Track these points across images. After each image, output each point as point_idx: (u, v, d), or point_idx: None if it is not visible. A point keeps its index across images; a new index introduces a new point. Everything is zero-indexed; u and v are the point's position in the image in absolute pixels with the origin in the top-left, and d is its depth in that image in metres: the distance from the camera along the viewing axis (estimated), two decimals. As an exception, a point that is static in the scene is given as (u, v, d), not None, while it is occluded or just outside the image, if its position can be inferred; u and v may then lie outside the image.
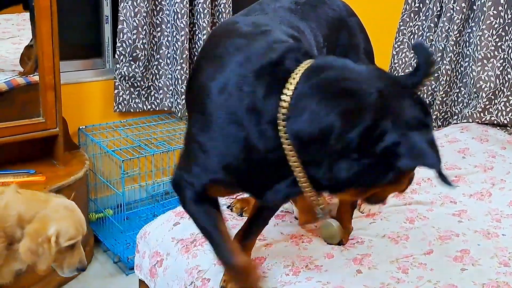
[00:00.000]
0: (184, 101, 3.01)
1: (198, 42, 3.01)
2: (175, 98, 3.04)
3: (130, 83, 2.95)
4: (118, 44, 2.84)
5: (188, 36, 2.93)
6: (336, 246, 1.71)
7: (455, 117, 3.12)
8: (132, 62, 2.88)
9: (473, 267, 1.61)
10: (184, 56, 2.93)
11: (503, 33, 2.80)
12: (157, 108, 3.10)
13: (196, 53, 3.04)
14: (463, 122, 3.02)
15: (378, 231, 1.81)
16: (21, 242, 1.69)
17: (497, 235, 1.84)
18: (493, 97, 2.93)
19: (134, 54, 2.87)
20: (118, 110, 2.98)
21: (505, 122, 2.93)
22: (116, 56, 2.87)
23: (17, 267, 1.82)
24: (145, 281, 1.84)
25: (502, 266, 1.63)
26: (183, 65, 2.94)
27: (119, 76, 2.90)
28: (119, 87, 2.93)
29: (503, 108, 2.92)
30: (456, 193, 2.16)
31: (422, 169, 2.34)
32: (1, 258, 1.74)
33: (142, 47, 2.87)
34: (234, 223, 1.77)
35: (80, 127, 2.93)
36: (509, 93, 2.91)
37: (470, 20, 2.92)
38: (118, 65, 2.88)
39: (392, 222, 1.89)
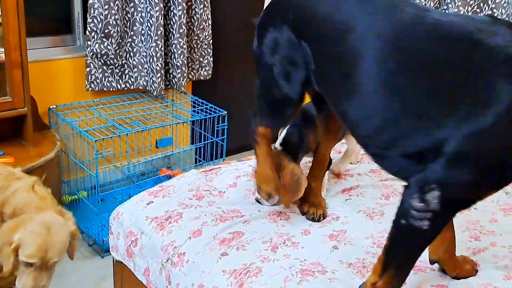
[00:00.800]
0: (159, 79, 2.96)
1: (173, 18, 2.94)
2: (150, 77, 2.98)
3: (102, 61, 2.87)
4: (89, 20, 2.75)
5: (163, 12, 2.86)
6: (313, 223, 1.71)
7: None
8: (104, 39, 2.80)
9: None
10: (159, 32, 2.86)
11: (478, 10, 2.82)
12: (132, 87, 3.04)
13: (171, 29, 2.98)
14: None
15: (354, 207, 1.82)
16: None
17: (470, 209, 1.86)
18: None
19: (106, 31, 2.78)
20: (90, 89, 2.90)
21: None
22: (87, 33, 2.78)
23: None
24: (123, 262, 1.81)
25: (473, 240, 1.66)
26: (158, 42, 2.87)
27: (91, 53, 2.82)
28: (91, 65, 2.85)
29: None
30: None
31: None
32: None
33: (114, 23, 2.79)
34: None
35: (51, 107, 2.86)
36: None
37: (445, -3, 2.92)
38: (89, 42, 2.79)
39: (368, 198, 1.90)
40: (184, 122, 3.16)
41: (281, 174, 1.69)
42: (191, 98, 3.22)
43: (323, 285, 1.40)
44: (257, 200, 1.81)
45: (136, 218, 1.75)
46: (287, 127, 1.81)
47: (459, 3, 2.81)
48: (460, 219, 1.77)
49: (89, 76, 2.87)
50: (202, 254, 1.54)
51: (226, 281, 1.44)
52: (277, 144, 1.79)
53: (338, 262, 1.51)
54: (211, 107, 3.07)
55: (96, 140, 2.60)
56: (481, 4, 2.78)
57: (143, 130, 2.87)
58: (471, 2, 2.79)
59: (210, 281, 1.47)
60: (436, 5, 2.93)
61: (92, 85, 2.89)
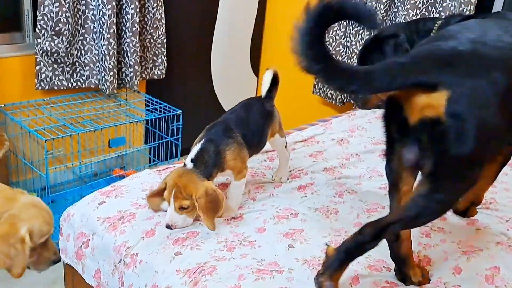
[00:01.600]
0: (112, 78, 2.91)
1: (126, 17, 2.90)
2: (103, 75, 2.92)
3: (53, 59, 2.80)
4: (39, 18, 2.68)
5: (115, 10, 2.82)
6: (268, 219, 1.72)
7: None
8: (54, 37, 2.73)
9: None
10: (112, 31, 2.82)
11: (426, 13, 2.90)
12: (83, 86, 2.97)
13: (123, 28, 2.93)
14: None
15: (310, 205, 1.84)
16: None
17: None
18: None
19: (57, 28, 2.72)
20: (40, 87, 2.82)
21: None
22: (37, 30, 2.71)
23: None
24: (71, 265, 1.77)
25: (424, 237, 1.71)
26: (111, 40, 2.83)
27: (41, 51, 2.75)
28: (41, 63, 2.77)
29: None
30: (383, 168, 2.23)
31: (351, 145, 2.41)
32: None
33: (65, 20, 2.73)
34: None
35: (-1, 106, 2.77)
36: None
37: (396, 0, 2.99)
38: (39, 40, 2.72)
39: (322, 197, 1.93)
40: (138, 121, 3.12)
41: (195, 198, 1.57)
42: (145, 97, 3.18)
43: (279, 283, 1.41)
44: (168, 227, 1.62)
45: (87, 219, 1.71)
46: (202, 141, 1.66)
47: (408, 6, 2.89)
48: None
49: (39, 74, 2.80)
50: (155, 254, 1.52)
51: (180, 280, 1.43)
52: (187, 160, 1.64)
53: (294, 260, 1.52)
54: (166, 106, 3.04)
55: (46, 140, 2.53)
56: (429, 8, 2.87)
57: (95, 130, 2.81)
58: (419, 6, 2.88)
59: (164, 281, 1.45)
60: (386, 7, 3.01)
61: (42, 83, 2.82)
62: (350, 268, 1.49)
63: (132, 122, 3.09)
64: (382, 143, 2.41)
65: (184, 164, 1.64)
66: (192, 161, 1.62)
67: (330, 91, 3.32)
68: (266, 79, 1.88)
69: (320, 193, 1.95)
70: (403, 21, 2.92)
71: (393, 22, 3.00)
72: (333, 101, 3.31)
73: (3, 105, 2.77)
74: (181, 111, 3.00)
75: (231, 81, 3.84)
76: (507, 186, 2.13)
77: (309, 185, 1.98)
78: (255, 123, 1.81)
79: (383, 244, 1.64)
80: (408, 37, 2.01)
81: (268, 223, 1.71)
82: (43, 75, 2.80)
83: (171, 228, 1.60)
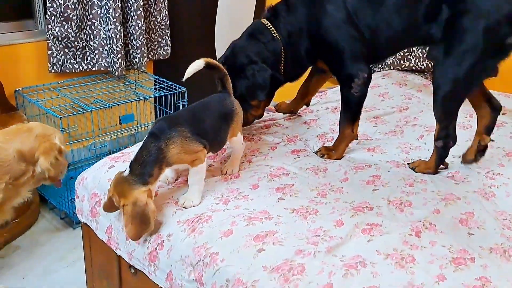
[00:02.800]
0: (120, 59, 3.07)
1: (130, 1, 3.05)
2: (111, 58, 3.09)
3: (63, 44, 2.98)
4: (49, 5, 2.85)
5: (119, -5, 2.97)
6: (262, 177, 1.88)
7: (379, 66, 3.34)
8: (64, 22, 2.91)
9: (383, 188, 1.83)
10: (117, 15, 2.97)
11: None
12: (94, 68, 3.15)
13: (129, 11, 3.09)
14: (385, 70, 3.25)
15: (301, 165, 2.00)
16: (40, 164, 1.89)
17: (405, 165, 2.07)
18: (409, 45, 3.15)
19: (66, 14, 2.89)
20: (53, 71, 3.01)
21: (422, 67, 3.17)
22: (47, 17, 2.88)
23: (19, 202, 2.00)
24: (87, 223, 1.96)
25: (407, 186, 1.86)
26: (117, 23, 2.98)
27: (52, 37, 2.92)
28: (53, 48, 2.96)
29: (420, 55, 3.16)
30: (372, 131, 2.38)
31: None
32: (5, 195, 1.88)
33: (73, 6, 2.90)
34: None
35: (17, 89, 2.96)
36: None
37: None
38: (50, 26, 2.90)
39: (313, 158, 2.09)
40: (145, 99, 3.29)
41: (121, 205, 1.56)
42: (152, 77, 3.34)
43: (268, 227, 1.58)
44: None
45: (99, 181, 1.90)
46: (145, 138, 1.62)
47: None
48: (397, 172, 1.98)
49: (51, 58, 2.98)
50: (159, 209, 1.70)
51: (180, 228, 1.61)
52: (126, 169, 1.58)
53: (283, 209, 1.68)
54: (171, 84, 3.21)
55: (61, 118, 2.71)
56: None
57: (106, 107, 2.99)
58: None
59: (165, 230, 1.64)
60: None
61: (55, 67, 3.00)
62: (335, 212, 1.66)
63: (140, 100, 3.26)
64: (373, 109, 2.58)
65: (120, 172, 1.60)
66: (130, 165, 1.57)
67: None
68: (192, 67, 1.76)
69: (311, 155, 2.11)
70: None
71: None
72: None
73: (21, 89, 2.96)
74: (185, 89, 3.15)
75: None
76: (492, 143, 2.26)
77: (303, 150, 2.14)
78: (210, 122, 1.73)
79: (365, 188, 1.80)
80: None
81: (262, 180, 1.87)
82: (55, 59, 2.98)
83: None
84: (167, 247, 1.61)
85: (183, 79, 1.75)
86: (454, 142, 2.00)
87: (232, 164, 1.93)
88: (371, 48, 2.04)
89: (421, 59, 3.16)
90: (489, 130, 2.06)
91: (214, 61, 1.80)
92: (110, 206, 1.66)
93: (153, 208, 1.57)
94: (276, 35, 2.04)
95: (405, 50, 3.17)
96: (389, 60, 3.24)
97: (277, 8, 2.09)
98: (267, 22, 2.07)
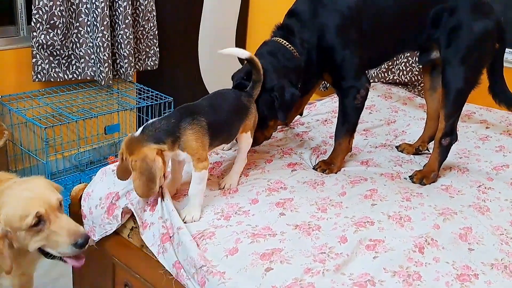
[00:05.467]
0: (107, 69, 3.01)
1: (119, 9, 3.01)
2: (98, 66, 3.03)
3: (49, 52, 2.90)
4: (34, 11, 2.77)
5: (108, 3, 2.92)
6: (261, 191, 1.87)
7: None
8: (50, 30, 2.83)
9: (380, 202, 1.85)
10: (105, 23, 2.92)
11: None
12: (79, 77, 3.08)
13: (116, 20, 3.04)
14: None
15: (299, 179, 1.99)
16: None
17: (400, 177, 2.09)
18: (395, 58, 3.20)
19: (52, 22, 2.82)
20: (37, 79, 2.92)
21: (406, 80, 3.22)
22: (33, 24, 2.80)
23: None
24: (104, 229, 1.82)
25: (405, 201, 1.87)
26: (105, 32, 2.93)
27: (37, 44, 2.84)
28: (37, 56, 2.87)
29: (404, 68, 3.21)
30: (364, 144, 2.40)
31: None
32: None
33: (59, 14, 2.83)
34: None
35: (-4, 97, 2.87)
36: (407, 54, 3.20)
37: None
38: (35, 33, 2.82)
39: (310, 171, 2.08)
40: (131, 108, 3.24)
41: (130, 160, 1.57)
42: (136, 86, 3.30)
43: (273, 244, 1.56)
44: None
45: (113, 183, 1.82)
46: (160, 117, 1.66)
47: None
48: (392, 185, 2.00)
49: (36, 67, 2.89)
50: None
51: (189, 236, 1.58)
52: (138, 130, 1.62)
53: (286, 225, 1.67)
54: (157, 94, 3.17)
55: (45, 128, 2.64)
56: None
57: (91, 117, 2.92)
58: None
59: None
60: None
61: (39, 75, 2.91)
62: (338, 228, 1.66)
63: (126, 110, 3.21)
64: (362, 122, 2.61)
65: (132, 133, 1.62)
66: (143, 127, 1.60)
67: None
68: (235, 50, 1.84)
69: (308, 168, 2.11)
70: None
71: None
72: (320, 88, 3.47)
73: (0, 97, 2.87)
74: (172, 98, 3.12)
75: (218, 70, 3.97)
76: (479, 157, 2.31)
77: (298, 164, 2.13)
78: (227, 113, 1.77)
79: (364, 203, 1.81)
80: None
81: (260, 195, 1.85)
82: (39, 67, 2.90)
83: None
84: (176, 241, 1.58)
85: (220, 51, 1.84)
86: (456, 140, 2.13)
87: (231, 178, 1.91)
88: (372, 54, 2.08)
89: (405, 72, 3.21)
90: (431, 139, 2.32)
91: (258, 61, 1.87)
92: (122, 170, 1.65)
93: (160, 166, 1.57)
94: (296, 53, 2.00)
95: (389, 63, 3.22)
96: (374, 73, 3.28)
97: (289, 25, 2.04)
98: (283, 40, 2.01)
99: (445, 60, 2.06)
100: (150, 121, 1.63)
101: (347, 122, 2.10)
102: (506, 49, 2.88)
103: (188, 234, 1.59)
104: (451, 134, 2.10)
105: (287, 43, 2.00)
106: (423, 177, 2.06)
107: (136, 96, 3.29)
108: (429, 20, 2.06)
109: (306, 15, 2.02)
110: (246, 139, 1.90)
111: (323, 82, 3.43)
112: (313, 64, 2.05)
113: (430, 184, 2.05)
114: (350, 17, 1.99)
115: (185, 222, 1.66)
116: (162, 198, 1.70)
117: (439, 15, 2.05)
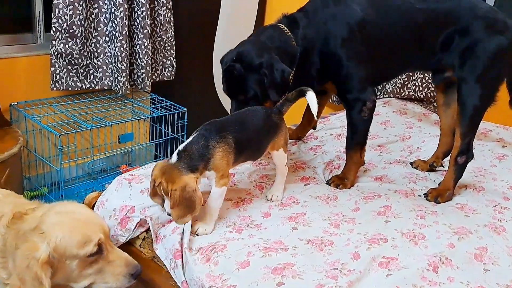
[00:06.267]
0: (124, 78, 3.01)
1: (137, 19, 3.01)
2: (116, 76, 3.03)
3: (67, 61, 2.90)
4: (54, 20, 2.78)
5: (127, 13, 2.92)
6: (273, 205, 1.86)
7: (378, 93, 3.37)
8: (69, 39, 2.84)
9: (395, 219, 1.83)
10: (124, 33, 2.92)
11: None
12: (97, 87, 3.07)
13: (135, 30, 3.05)
14: (385, 97, 3.28)
15: (311, 193, 1.98)
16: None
17: (414, 194, 2.07)
18: (411, 74, 3.19)
19: (71, 31, 2.82)
20: (55, 88, 2.91)
21: (422, 97, 3.20)
22: (52, 32, 2.82)
23: None
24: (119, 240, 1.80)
25: (419, 218, 1.85)
26: (123, 42, 2.93)
27: (55, 53, 2.84)
28: (56, 64, 2.87)
29: (420, 84, 3.19)
30: (378, 160, 2.38)
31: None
32: None
33: (79, 23, 2.83)
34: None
35: (12, 103, 2.89)
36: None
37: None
38: (54, 42, 2.82)
39: (323, 186, 2.07)
40: (145, 118, 3.25)
41: (170, 189, 1.55)
42: (151, 95, 3.31)
43: (285, 259, 1.55)
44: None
45: (124, 200, 1.81)
46: (193, 135, 1.65)
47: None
48: (407, 202, 1.97)
49: (54, 75, 2.89)
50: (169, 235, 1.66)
51: (193, 257, 1.56)
52: (175, 153, 1.60)
53: (298, 240, 1.66)
54: (171, 104, 3.17)
55: (60, 135, 2.65)
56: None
57: (106, 126, 2.93)
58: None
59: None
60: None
61: (57, 84, 2.91)
62: (351, 244, 1.64)
63: (139, 119, 3.22)
64: (377, 137, 2.59)
65: (168, 159, 1.60)
66: (178, 153, 1.59)
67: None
68: (311, 99, 1.82)
69: (321, 183, 2.10)
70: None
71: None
72: (330, 100, 3.46)
73: (16, 103, 2.89)
74: (185, 109, 3.12)
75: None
76: (495, 176, 2.28)
77: (312, 178, 2.12)
78: (255, 130, 1.75)
79: (377, 219, 1.79)
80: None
81: (273, 209, 1.85)
82: (58, 76, 2.90)
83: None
84: (185, 259, 1.57)
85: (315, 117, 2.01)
86: (472, 158, 2.11)
87: (277, 189, 1.93)
88: (376, 70, 2.07)
89: (420, 88, 3.19)
90: (445, 155, 2.31)
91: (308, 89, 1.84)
92: (154, 195, 1.65)
93: (200, 196, 1.57)
94: (293, 42, 1.97)
95: (405, 79, 3.20)
96: (389, 88, 3.27)
97: (297, 17, 2.02)
98: (284, 27, 1.98)
99: (460, 78, 2.04)
100: (181, 146, 1.61)
101: (356, 135, 2.09)
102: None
103: (192, 264, 1.56)
104: (467, 152, 2.07)
105: (287, 31, 1.97)
106: (438, 195, 2.03)
107: (150, 105, 3.30)
108: (438, 44, 2.04)
109: (316, 16, 2.00)
110: (278, 156, 1.88)
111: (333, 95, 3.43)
112: (310, 65, 2.02)
113: (445, 202, 2.02)
114: (358, 30, 1.98)
115: (197, 235, 1.66)
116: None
117: (450, 39, 2.03)
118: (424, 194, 2.06)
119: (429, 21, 2.02)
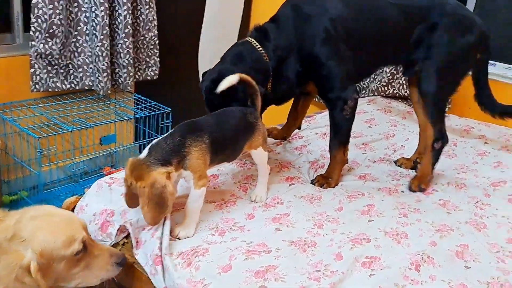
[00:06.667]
0: (106, 78, 2.98)
1: (119, 18, 2.97)
2: (96, 76, 2.98)
3: (47, 61, 2.84)
4: (33, 20, 2.72)
5: (107, 12, 2.88)
6: (257, 206, 1.85)
7: (363, 91, 3.37)
8: (48, 39, 2.78)
9: (377, 218, 1.83)
10: (105, 32, 2.87)
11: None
12: (77, 87, 3.02)
13: (116, 29, 3.01)
14: (370, 96, 3.28)
15: (296, 193, 1.97)
16: None
17: (398, 191, 2.07)
18: (395, 72, 3.19)
19: (51, 31, 2.76)
20: (35, 90, 2.85)
21: (406, 95, 3.21)
22: (31, 32, 2.75)
23: None
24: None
25: (402, 217, 1.86)
26: (104, 41, 2.89)
27: (35, 53, 2.78)
28: (35, 65, 2.80)
29: (404, 82, 3.20)
30: (362, 158, 2.38)
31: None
32: None
33: (58, 22, 2.77)
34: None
35: (-11, 106, 2.83)
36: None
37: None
38: (33, 42, 2.76)
39: (307, 186, 2.07)
40: (128, 119, 3.21)
41: (139, 186, 1.50)
42: (135, 96, 3.27)
43: (268, 262, 1.53)
44: None
45: (103, 203, 1.80)
46: (169, 132, 1.63)
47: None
48: (390, 200, 1.98)
49: (34, 77, 2.83)
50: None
51: (174, 261, 1.53)
52: (144, 151, 1.56)
53: (281, 241, 1.64)
54: (155, 104, 3.14)
55: (39, 138, 2.60)
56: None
57: (87, 128, 2.89)
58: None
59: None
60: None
61: (37, 85, 2.85)
62: (334, 245, 1.64)
63: (122, 120, 3.18)
64: (361, 136, 2.59)
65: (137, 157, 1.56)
66: (149, 148, 1.55)
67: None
68: (227, 80, 1.75)
69: (305, 182, 2.09)
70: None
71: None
72: (316, 99, 3.45)
73: (-7, 105, 2.83)
74: (170, 109, 3.09)
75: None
76: (477, 173, 2.30)
77: (297, 178, 2.11)
78: (232, 130, 1.74)
79: (360, 219, 1.79)
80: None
81: (257, 210, 1.83)
82: (38, 77, 2.84)
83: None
84: (165, 266, 1.53)
85: (218, 91, 1.76)
86: (447, 142, 2.17)
87: (260, 190, 1.92)
88: (353, 68, 2.08)
89: (405, 86, 3.20)
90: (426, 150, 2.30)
91: (247, 77, 1.79)
92: (130, 197, 1.59)
93: (171, 191, 1.51)
94: (265, 56, 2.00)
95: (390, 77, 3.20)
96: (374, 87, 3.27)
97: (267, 29, 2.04)
98: (255, 41, 2.01)
99: (421, 70, 2.10)
100: (154, 141, 1.58)
101: (339, 133, 2.09)
102: (506, 64, 2.93)
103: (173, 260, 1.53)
104: (441, 138, 2.14)
105: (258, 45, 2.00)
106: (420, 183, 2.09)
107: (134, 106, 3.26)
108: (411, 39, 2.10)
109: (288, 23, 2.02)
110: (258, 155, 1.87)
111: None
112: (288, 71, 2.04)
113: (427, 188, 2.09)
114: (333, 29, 1.99)
115: (178, 238, 1.63)
116: (164, 219, 1.64)
117: (420, 34, 2.09)
118: (408, 188, 2.08)
119: (403, 17, 2.07)
